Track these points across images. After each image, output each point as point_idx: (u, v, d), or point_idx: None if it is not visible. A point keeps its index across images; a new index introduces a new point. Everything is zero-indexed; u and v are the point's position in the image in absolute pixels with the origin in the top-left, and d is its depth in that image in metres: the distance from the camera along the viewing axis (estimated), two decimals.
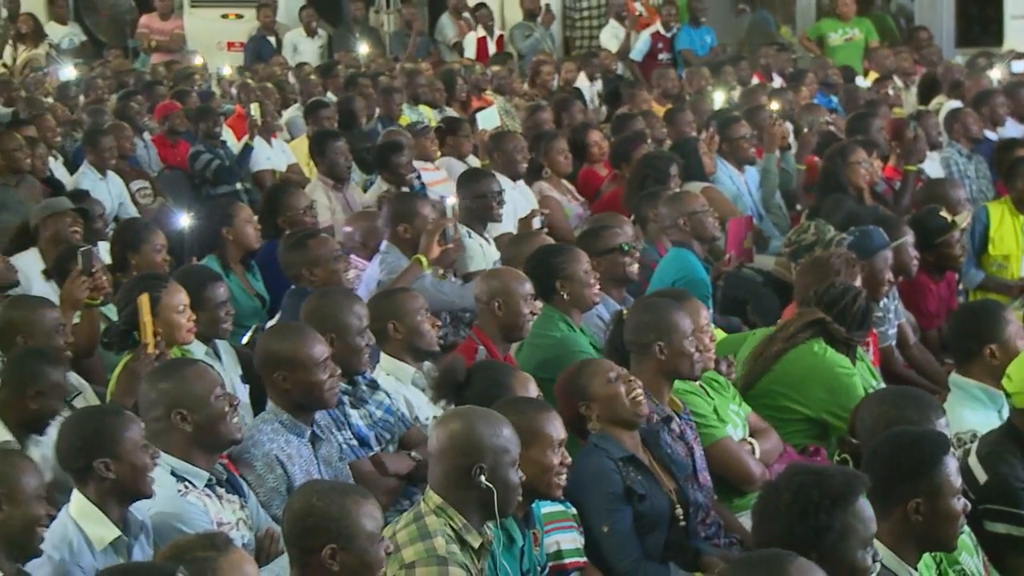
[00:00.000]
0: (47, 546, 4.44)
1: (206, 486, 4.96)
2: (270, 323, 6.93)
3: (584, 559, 5.22)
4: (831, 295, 6.37)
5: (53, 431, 5.59)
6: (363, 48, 17.01)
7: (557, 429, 4.85)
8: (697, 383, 6.00)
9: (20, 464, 4.43)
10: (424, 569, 4.36)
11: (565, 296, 6.53)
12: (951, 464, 4.38)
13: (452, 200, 8.11)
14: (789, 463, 4.04)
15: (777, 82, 14.87)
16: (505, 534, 4.75)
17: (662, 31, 17.52)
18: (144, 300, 5.87)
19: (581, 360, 5.77)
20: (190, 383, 4.96)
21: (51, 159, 10.63)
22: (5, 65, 17.44)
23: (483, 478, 4.49)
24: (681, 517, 5.39)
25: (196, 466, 4.94)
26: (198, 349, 6.30)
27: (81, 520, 4.52)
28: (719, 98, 12.72)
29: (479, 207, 8.17)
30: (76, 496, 4.59)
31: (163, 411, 4.91)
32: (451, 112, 13.28)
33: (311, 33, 18.15)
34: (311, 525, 4.13)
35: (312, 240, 7.10)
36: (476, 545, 4.53)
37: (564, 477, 4.84)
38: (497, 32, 18.35)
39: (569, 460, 4.90)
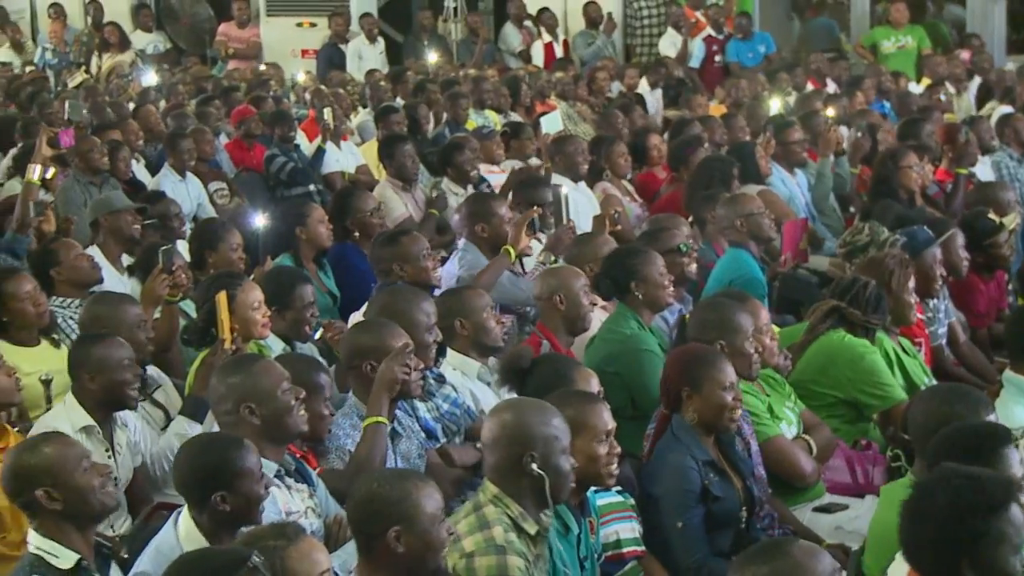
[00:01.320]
0: (152, 563, 4.41)
1: (275, 476, 4.95)
2: (352, 316, 6.92)
3: (642, 548, 5.20)
4: (842, 286, 6.46)
5: (131, 417, 5.66)
6: (432, 56, 17.04)
7: (605, 420, 4.81)
8: (753, 382, 5.98)
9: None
10: (483, 559, 4.34)
11: (639, 296, 6.49)
12: (1013, 456, 4.32)
13: (566, 190, 8.10)
14: (941, 466, 3.98)
15: (831, 88, 14.79)
16: (560, 522, 4.73)
17: (713, 33, 17.55)
18: (222, 298, 5.88)
19: (703, 345, 5.67)
20: (258, 378, 4.95)
21: (134, 161, 10.69)
22: (89, 72, 17.56)
23: (534, 466, 4.47)
24: (743, 518, 5.36)
25: (265, 457, 4.92)
26: (276, 346, 6.30)
27: (188, 545, 4.38)
28: (775, 104, 12.68)
29: (541, 214, 8.12)
30: (186, 519, 4.48)
31: (232, 404, 4.91)
32: (516, 117, 13.28)
33: (372, 40, 18.18)
34: (374, 510, 4.12)
35: (405, 237, 7.09)
36: (533, 532, 4.51)
37: (615, 466, 4.82)
38: (562, 37, 18.31)
39: (618, 450, 4.87)
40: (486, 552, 4.35)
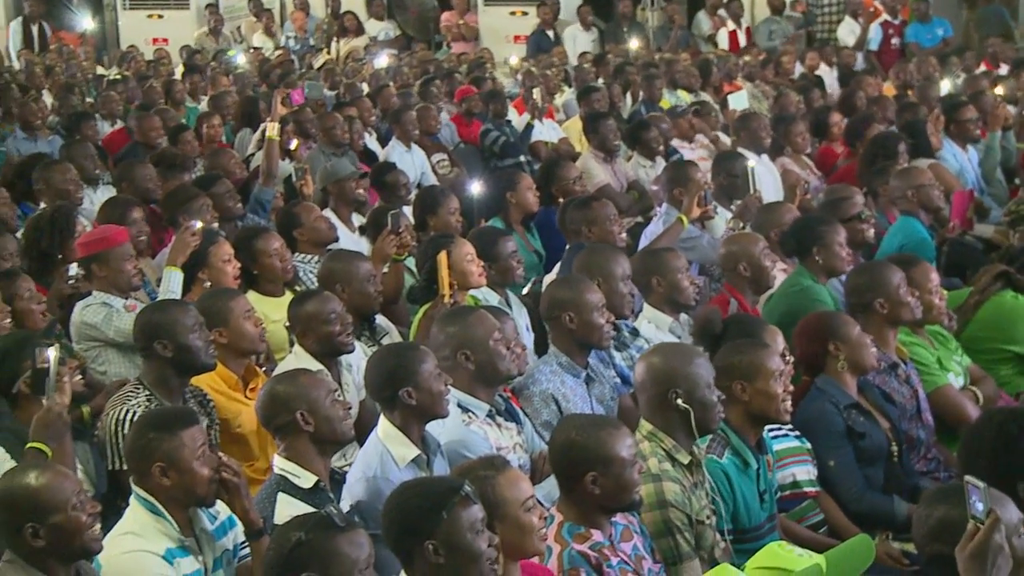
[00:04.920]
0: (362, 464, 4.53)
1: (487, 416, 4.99)
2: (548, 276, 6.94)
3: (818, 488, 5.19)
4: (1011, 252, 6.49)
5: (356, 360, 5.73)
6: (634, 43, 16.97)
7: (776, 363, 4.80)
8: (923, 337, 5.88)
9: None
10: (642, 488, 4.30)
11: (819, 261, 6.45)
12: None
13: (752, 163, 8.04)
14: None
15: (1003, 70, 14.32)
16: (740, 459, 4.72)
17: (890, 19, 17.15)
18: (442, 257, 5.92)
19: (834, 310, 5.72)
20: (473, 328, 4.98)
21: (367, 135, 10.84)
22: (329, 55, 17.88)
23: (680, 401, 4.46)
24: (896, 453, 5.31)
25: (478, 399, 4.98)
26: (491, 297, 6.32)
27: (387, 441, 4.57)
28: (945, 84, 12.36)
29: (730, 185, 8.05)
30: (383, 421, 4.64)
31: (450, 351, 4.95)
32: (705, 96, 13.13)
33: (587, 27, 18.22)
34: (573, 457, 4.13)
35: (594, 203, 7.09)
36: (686, 462, 4.52)
37: (788, 403, 4.80)
38: (745, 25, 18.07)
39: (792, 388, 4.86)
40: (643, 481, 4.32)
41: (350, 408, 4.63)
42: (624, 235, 7.20)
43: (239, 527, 4.25)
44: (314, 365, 5.39)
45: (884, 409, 5.42)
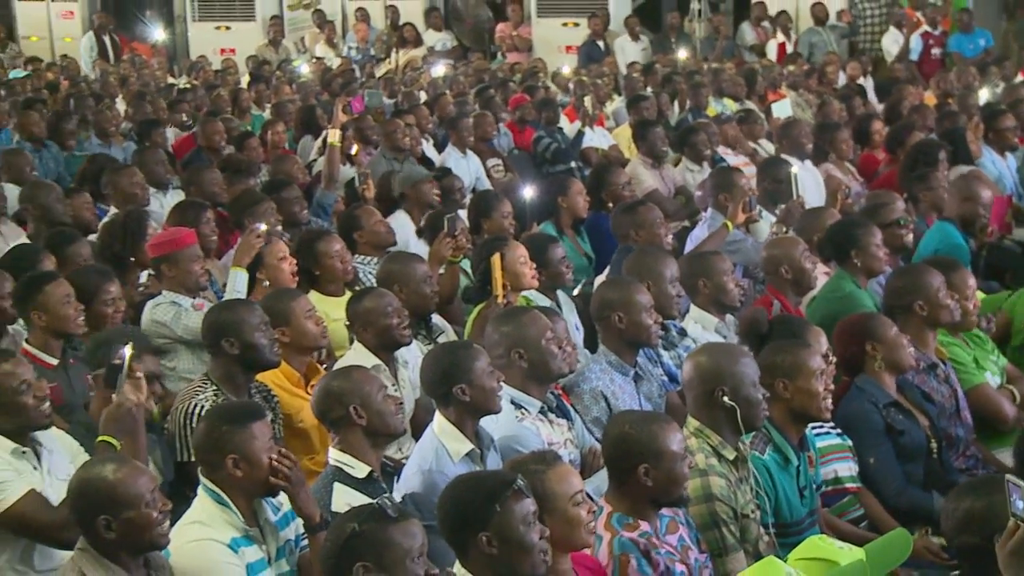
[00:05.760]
0: (418, 458, 4.55)
1: (539, 412, 4.99)
2: (598, 278, 6.93)
3: (858, 484, 5.16)
4: None
5: (412, 357, 5.74)
6: (681, 53, 16.92)
7: (818, 362, 4.78)
8: (959, 337, 5.84)
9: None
10: (690, 483, 4.29)
11: (857, 263, 6.40)
12: None
13: (795, 169, 8.01)
14: None
15: None
16: (781, 456, 4.69)
17: (930, 30, 17.03)
18: (496, 259, 5.92)
19: (872, 312, 5.70)
20: (526, 327, 4.99)
21: (424, 141, 10.87)
22: (389, 65, 17.94)
23: (726, 398, 4.45)
24: (935, 450, 5.27)
25: (530, 396, 4.98)
26: (542, 301, 6.31)
27: (442, 436, 4.58)
28: (984, 93, 12.23)
29: (775, 190, 8.01)
30: (438, 417, 4.65)
31: (504, 350, 4.95)
32: (751, 105, 13.07)
33: (635, 37, 18.20)
34: (626, 450, 4.13)
35: (642, 207, 7.09)
36: (731, 458, 4.50)
37: (829, 402, 4.77)
38: (794, 37, 17.97)
39: (832, 386, 4.84)
40: (691, 476, 4.31)
41: (401, 403, 4.64)
42: (671, 238, 7.17)
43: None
44: (372, 360, 5.41)
45: (923, 407, 5.38)
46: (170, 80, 17.21)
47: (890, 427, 5.16)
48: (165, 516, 3.76)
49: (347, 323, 5.86)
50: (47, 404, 4.45)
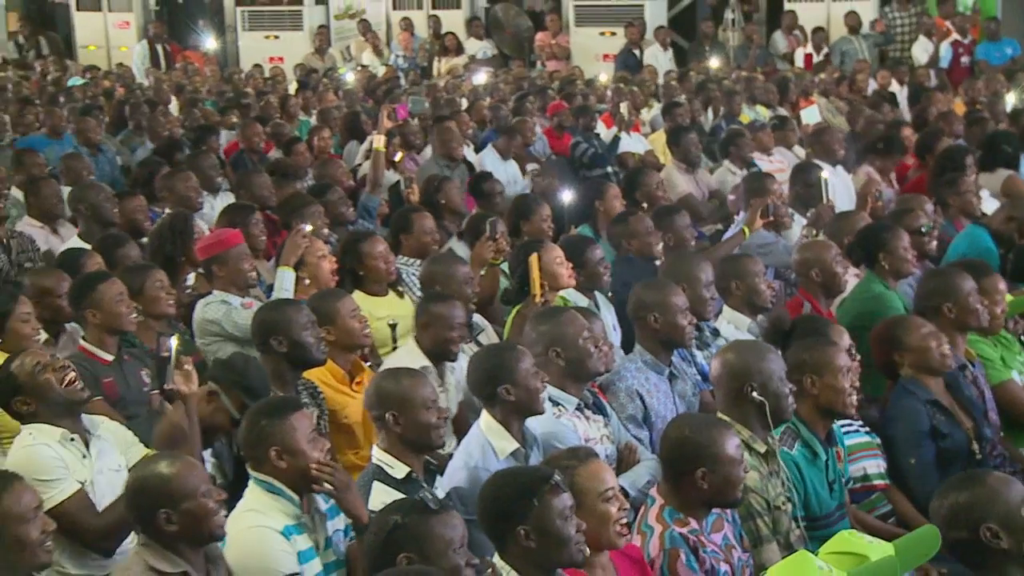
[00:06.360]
0: (463, 455, 4.56)
1: (576, 409, 4.99)
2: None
3: (886, 481, 5.13)
4: None
5: (463, 361, 5.74)
6: (715, 61, 16.88)
7: (844, 359, 4.75)
8: (988, 338, 5.82)
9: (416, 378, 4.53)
10: None
11: (885, 266, 6.38)
12: None
13: (825, 174, 7.99)
14: None
15: None
16: (809, 450, 4.68)
17: (959, 38, 16.94)
18: (534, 259, 5.92)
19: (899, 315, 5.67)
20: (564, 327, 4.99)
21: (465, 146, 10.88)
22: (429, 73, 17.98)
23: (755, 394, 4.44)
24: (977, 452, 5.22)
25: (568, 393, 4.98)
26: (580, 301, 6.30)
27: (489, 434, 4.57)
28: (1010, 99, 12.15)
29: (806, 194, 7.98)
30: (485, 415, 4.65)
31: (542, 348, 4.95)
32: (783, 111, 13.02)
33: (665, 47, 18.18)
34: (686, 452, 4.12)
35: (632, 218, 7.05)
36: (762, 451, 4.49)
37: (855, 397, 4.75)
38: (824, 49, 17.88)
39: (858, 383, 4.80)
40: None
41: (445, 416, 4.55)
42: (660, 246, 7.02)
43: None
44: (422, 361, 5.42)
45: (968, 408, 5.31)
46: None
47: (935, 429, 5.11)
48: (221, 506, 3.77)
49: (389, 322, 5.86)
50: (78, 384, 4.50)
